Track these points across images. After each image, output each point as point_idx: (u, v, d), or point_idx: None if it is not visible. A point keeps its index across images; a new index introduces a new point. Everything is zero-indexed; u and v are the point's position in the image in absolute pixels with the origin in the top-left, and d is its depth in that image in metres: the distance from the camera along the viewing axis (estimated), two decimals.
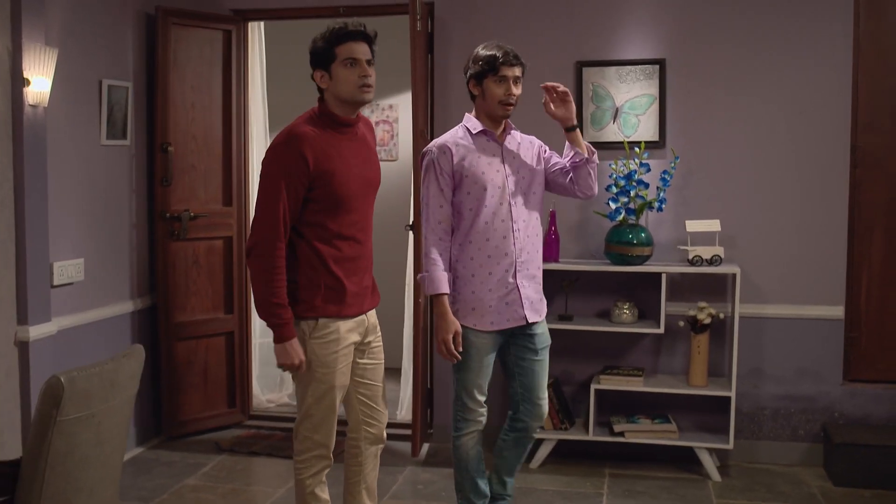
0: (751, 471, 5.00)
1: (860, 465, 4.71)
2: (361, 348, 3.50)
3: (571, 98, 3.75)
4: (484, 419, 3.85)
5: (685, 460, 5.06)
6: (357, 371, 3.52)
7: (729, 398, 4.85)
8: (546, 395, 3.88)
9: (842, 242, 5.00)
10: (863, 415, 5.01)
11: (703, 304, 4.91)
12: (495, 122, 3.72)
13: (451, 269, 3.72)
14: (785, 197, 5.02)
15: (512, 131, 3.78)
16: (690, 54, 5.07)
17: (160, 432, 5.46)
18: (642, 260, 4.94)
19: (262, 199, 3.27)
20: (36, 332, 4.31)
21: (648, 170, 4.92)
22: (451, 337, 3.66)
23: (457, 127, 3.79)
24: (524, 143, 3.81)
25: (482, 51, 3.67)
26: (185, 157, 5.44)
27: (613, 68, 5.13)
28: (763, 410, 5.11)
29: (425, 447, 5.34)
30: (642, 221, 5.05)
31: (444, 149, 3.68)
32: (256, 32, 5.90)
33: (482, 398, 3.82)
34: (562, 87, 3.74)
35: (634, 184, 4.90)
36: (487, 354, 3.76)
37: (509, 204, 3.67)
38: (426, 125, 5.22)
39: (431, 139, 5.32)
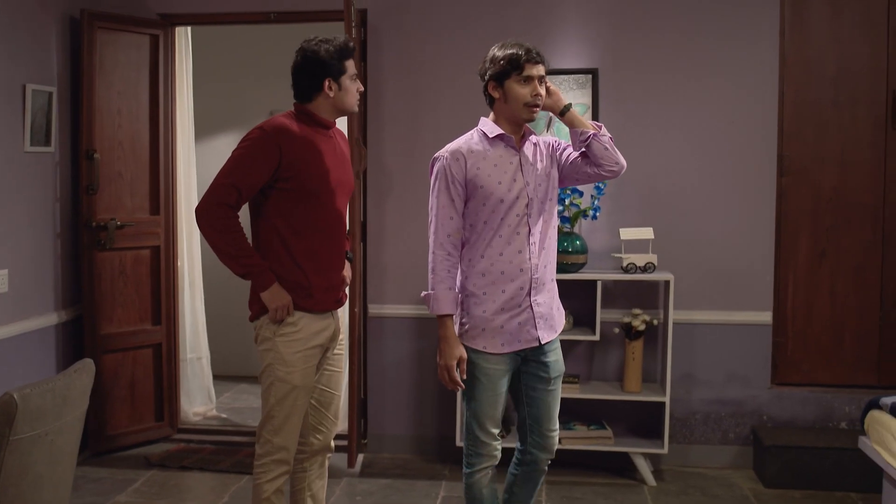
0: (684, 474, 5.09)
1: (790, 466, 4.83)
2: (326, 354, 3.48)
3: (550, 83, 3.40)
4: (498, 454, 3.46)
5: (621, 466, 5.12)
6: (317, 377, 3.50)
7: (663, 403, 4.93)
8: (557, 426, 3.52)
9: (769, 249, 5.13)
10: (790, 417, 5.14)
11: (637, 310, 4.98)
12: (516, 126, 3.35)
13: (460, 287, 3.37)
14: (715, 205, 5.13)
15: (531, 136, 3.44)
16: (622, 65, 5.15)
17: (86, 447, 5.27)
18: (577, 268, 4.98)
19: (222, 169, 3.30)
20: None
21: None
22: (454, 364, 3.29)
23: (471, 131, 3.41)
24: (540, 147, 3.44)
25: (499, 51, 3.31)
26: (112, 165, 5.29)
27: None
28: (694, 415, 5.20)
29: (360, 458, 5.28)
30: (577, 229, 5.10)
31: (456, 155, 3.31)
32: (184, 38, 5.76)
33: (496, 430, 3.42)
34: None
35: (569, 192, 4.95)
36: (499, 380, 3.37)
37: (526, 216, 3.31)
38: (360, 133, 5.17)
39: (366, 146, 5.30)
